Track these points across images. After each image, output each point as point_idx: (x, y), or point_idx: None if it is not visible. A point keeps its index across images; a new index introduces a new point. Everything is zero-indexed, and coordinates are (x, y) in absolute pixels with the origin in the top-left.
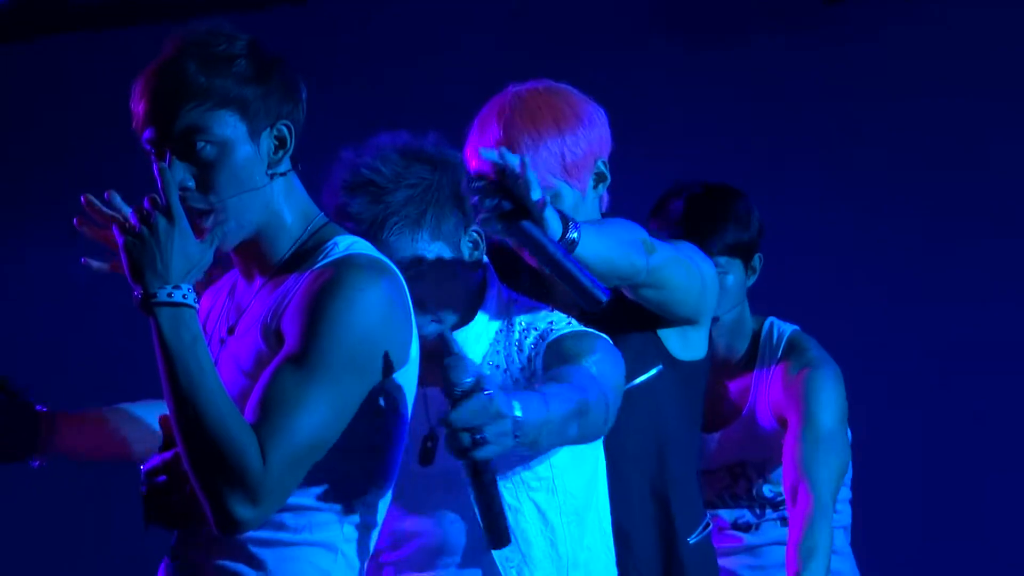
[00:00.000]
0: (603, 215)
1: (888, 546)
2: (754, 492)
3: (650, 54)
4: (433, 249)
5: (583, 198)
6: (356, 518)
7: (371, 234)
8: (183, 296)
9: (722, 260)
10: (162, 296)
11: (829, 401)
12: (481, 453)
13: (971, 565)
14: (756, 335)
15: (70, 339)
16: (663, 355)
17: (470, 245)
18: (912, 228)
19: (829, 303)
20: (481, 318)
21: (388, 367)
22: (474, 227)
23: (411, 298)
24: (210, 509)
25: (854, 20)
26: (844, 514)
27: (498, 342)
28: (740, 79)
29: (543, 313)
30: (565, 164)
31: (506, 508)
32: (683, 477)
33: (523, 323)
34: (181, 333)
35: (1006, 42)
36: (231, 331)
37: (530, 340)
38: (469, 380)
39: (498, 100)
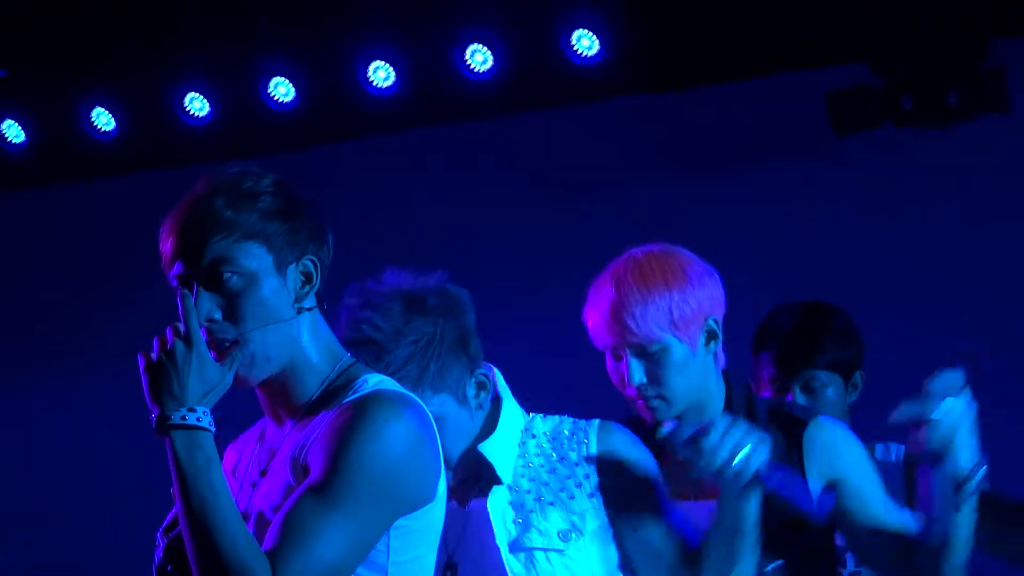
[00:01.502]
0: (723, 374)
1: None
2: None
3: (659, 185)
4: (437, 402)
5: (693, 353)
6: None
7: None
8: (197, 419)
9: (823, 374)
10: (176, 419)
11: None
12: (757, 455)
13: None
14: None
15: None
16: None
17: (475, 387)
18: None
19: None
20: (501, 432)
21: (413, 500)
22: (480, 370)
23: None
24: None
25: (866, 150)
26: None
27: (525, 455)
28: (750, 210)
29: (558, 417)
30: (673, 319)
31: None
32: None
33: (547, 434)
34: (195, 455)
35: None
36: (263, 473)
37: (564, 441)
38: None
39: (614, 263)
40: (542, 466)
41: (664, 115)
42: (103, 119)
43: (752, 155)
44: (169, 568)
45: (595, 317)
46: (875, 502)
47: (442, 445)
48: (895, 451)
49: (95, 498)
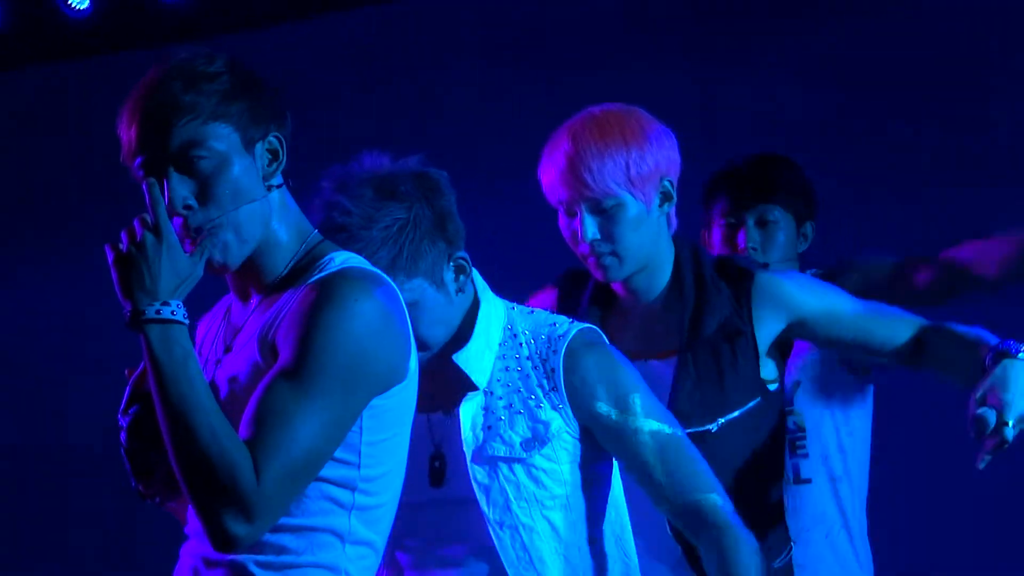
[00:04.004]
0: (673, 237)
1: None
2: None
3: (623, 57)
4: (411, 287)
5: (647, 212)
6: (359, 537)
7: None
8: (172, 312)
9: (777, 211)
10: (151, 313)
11: None
12: None
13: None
14: None
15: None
16: (760, 386)
17: (453, 271)
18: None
19: None
20: (478, 337)
21: (385, 379)
22: (459, 253)
23: None
24: (204, 526)
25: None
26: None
27: (504, 357)
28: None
29: (542, 316)
30: (630, 175)
31: (521, 528)
32: (776, 502)
33: (527, 333)
34: (171, 349)
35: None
36: (227, 350)
37: (539, 346)
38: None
39: (572, 118)
40: (519, 370)
41: None
42: None
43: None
44: (135, 445)
45: (551, 171)
46: (853, 316)
47: (420, 330)
48: None
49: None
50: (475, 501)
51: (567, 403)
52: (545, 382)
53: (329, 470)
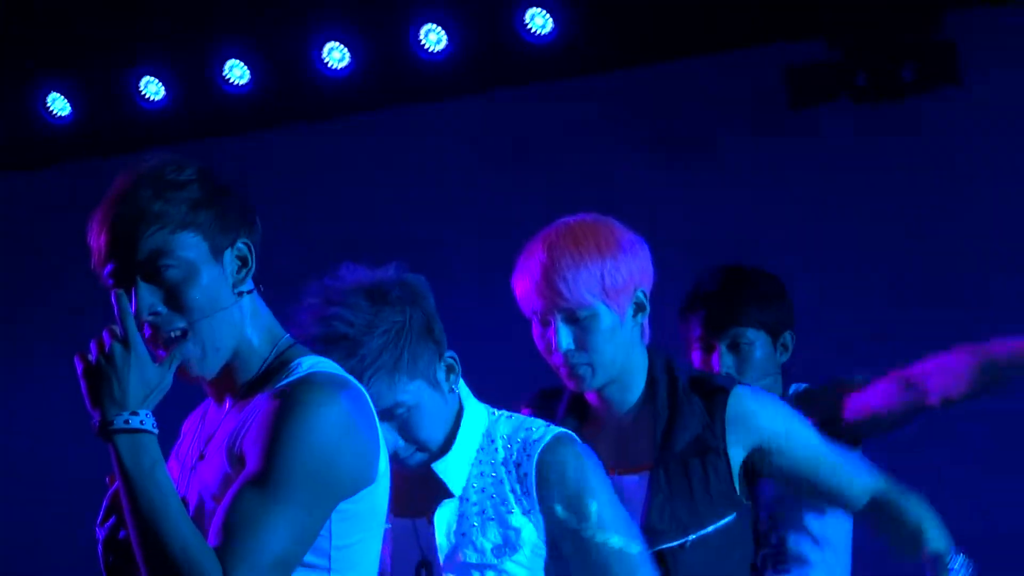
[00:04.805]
0: (647, 347)
1: None
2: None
3: (616, 162)
4: (412, 389)
5: (621, 322)
6: None
7: None
8: (140, 422)
9: (749, 333)
10: (119, 423)
11: None
12: None
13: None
14: None
15: None
16: (734, 503)
17: (444, 370)
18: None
19: None
20: (460, 442)
21: (352, 484)
22: (448, 353)
23: (399, 435)
24: None
25: (821, 123)
26: None
27: (480, 463)
28: (708, 185)
29: (521, 420)
30: (605, 286)
31: None
32: None
33: (504, 438)
34: (140, 459)
35: (967, 141)
36: (201, 457)
37: (515, 452)
38: None
39: (546, 229)
40: (493, 475)
41: (621, 92)
42: (59, 104)
43: (709, 131)
44: (112, 559)
45: (525, 281)
46: (810, 458)
47: (421, 433)
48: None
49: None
50: None
51: (536, 507)
52: (518, 487)
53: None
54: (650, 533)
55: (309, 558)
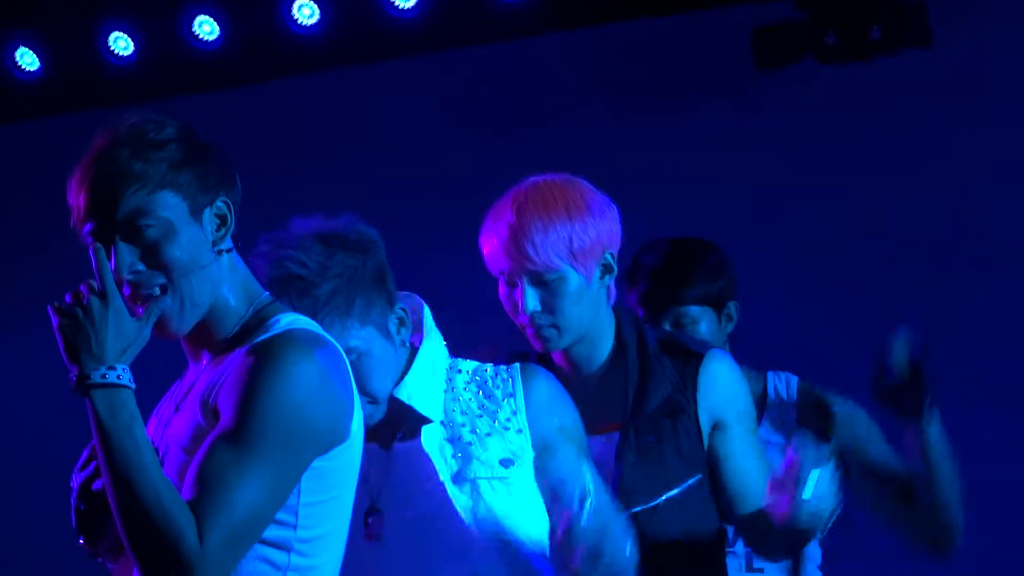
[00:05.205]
0: (613, 308)
1: None
2: None
3: (583, 121)
4: (364, 335)
5: (588, 284)
6: None
7: None
8: (118, 377)
9: (693, 309)
10: (96, 378)
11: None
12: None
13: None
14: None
15: None
16: (702, 463)
17: (396, 322)
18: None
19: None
20: (419, 367)
21: (326, 440)
22: (399, 305)
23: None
24: None
25: (787, 85)
26: None
27: (454, 388)
28: (674, 145)
29: (477, 363)
30: (572, 249)
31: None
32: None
33: (469, 371)
34: (117, 414)
35: (935, 105)
36: (176, 410)
37: (489, 380)
38: None
39: (515, 188)
40: (472, 400)
41: (588, 52)
42: (27, 59)
43: (675, 91)
44: (83, 508)
45: (493, 242)
46: (741, 461)
47: (371, 382)
48: (785, 381)
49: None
50: (412, 555)
51: (526, 426)
52: (506, 404)
53: (266, 531)
54: (623, 494)
55: (277, 514)
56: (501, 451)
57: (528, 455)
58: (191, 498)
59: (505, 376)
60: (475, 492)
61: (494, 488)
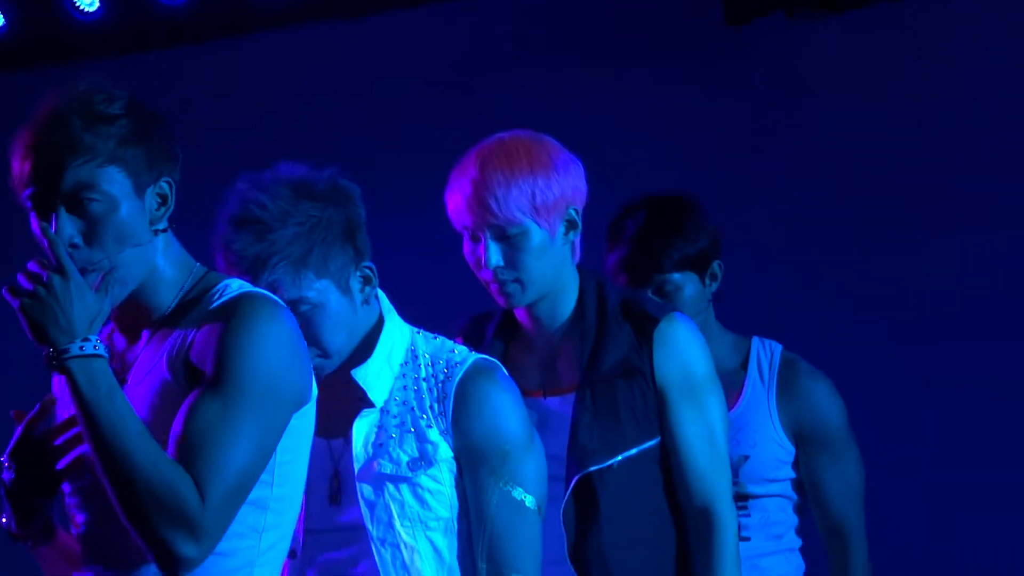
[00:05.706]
0: (577, 266)
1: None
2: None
3: (550, 76)
4: (319, 287)
5: (551, 240)
6: (266, 559)
7: (252, 272)
8: (94, 347)
9: (676, 276)
10: (74, 350)
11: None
12: None
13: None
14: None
15: None
16: (657, 427)
17: (360, 281)
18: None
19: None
20: (380, 354)
21: (300, 396)
22: (366, 263)
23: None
24: (154, 552)
25: (758, 40)
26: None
27: (405, 377)
28: (641, 100)
29: (445, 343)
30: (535, 204)
31: (403, 547)
32: (669, 545)
33: (427, 356)
34: (97, 384)
35: (913, 54)
36: (122, 384)
37: (437, 370)
38: None
39: (481, 144)
40: (415, 389)
41: (555, 6)
42: None
43: (644, 47)
44: (18, 489)
45: (457, 197)
46: (687, 426)
47: (322, 335)
48: (769, 349)
49: None
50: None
51: (450, 430)
52: (436, 405)
53: None
54: (579, 453)
55: None
56: (412, 451)
57: (447, 455)
58: (184, 458)
59: (447, 373)
60: (378, 489)
61: (399, 489)
